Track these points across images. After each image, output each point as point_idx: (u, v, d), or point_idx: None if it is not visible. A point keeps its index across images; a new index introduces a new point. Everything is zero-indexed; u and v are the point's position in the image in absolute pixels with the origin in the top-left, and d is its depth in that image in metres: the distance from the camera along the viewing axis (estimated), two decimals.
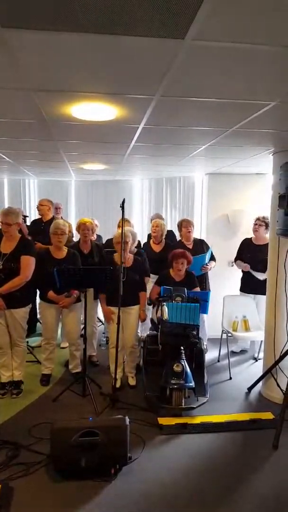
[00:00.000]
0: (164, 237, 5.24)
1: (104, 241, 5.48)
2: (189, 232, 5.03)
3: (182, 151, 4.07)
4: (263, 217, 4.94)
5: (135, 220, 7.53)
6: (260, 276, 4.83)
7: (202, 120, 2.81)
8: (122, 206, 3.80)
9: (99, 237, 5.77)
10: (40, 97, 2.34)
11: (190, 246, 5.02)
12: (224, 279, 5.37)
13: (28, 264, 3.79)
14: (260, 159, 4.32)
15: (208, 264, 4.93)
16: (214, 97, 2.27)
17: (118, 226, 5.12)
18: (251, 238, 5.13)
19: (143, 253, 4.72)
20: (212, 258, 5.08)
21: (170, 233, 5.71)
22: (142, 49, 1.64)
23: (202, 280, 4.95)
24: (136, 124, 2.94)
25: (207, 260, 4.91)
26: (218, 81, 2.02)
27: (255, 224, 4.98)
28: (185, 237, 5.07)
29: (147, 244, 5.32)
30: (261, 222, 4.93)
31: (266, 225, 4.86)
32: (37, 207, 5.79)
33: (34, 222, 5.92)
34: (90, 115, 2.68)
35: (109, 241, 5.29)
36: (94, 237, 5.61)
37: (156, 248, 5.17)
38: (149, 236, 5.53)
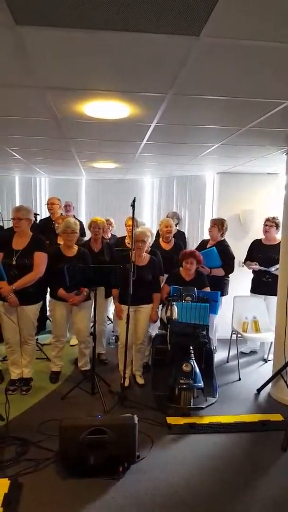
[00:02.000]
0: (173, 234, 5.23)
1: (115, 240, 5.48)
2: (210, 232, 4.99)
3: (194, 150, 4.05)
4: (273, 218, 4.89)
5: (146, 219, 7.52)
6: (274, 268, 4.75)
7: (215, 118, 2.79)
8: (133, 205, 3.80)
9: (113, 236, 5.76)
10: (54, 95, 2.34)
11: (208, 246, 4.98)
12: (235, 279, 5.32)
13: (41, 260, 3.83)
14: (273, 158, 4.28)
15: (203, 267, 4.62)
16: (228, 96, 2.25)
17: (126, 225, 5.12)
18: (260, 239, 5.10)
19: (157, 252, 4.69)
20: (227, 267, 4.83)
21: (182, 234, 5.68)
22: (156, 46, 1.63)
23: (219, 284, 4.80)
24: (149, 122, 2.94)
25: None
26: (232, 79, 2.00)
27: (266, 225, 4.92)
28: (210, 236, 5.06)
29: (156, 242, 5.31)
30: (271, 223, 4.88)
31: (277, 226, 4.83)
32: (48, 206, 5.77)
33: (42, 221, 5.92)
34: (102, 113, 2.68)
35: (120, 239, 5.30)
36: (108, 236, 5.61)
37: (166, 246, 5.16)
38: (158, 234, 5.52)
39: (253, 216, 5.55)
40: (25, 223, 3.84)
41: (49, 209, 5.73)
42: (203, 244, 5.14)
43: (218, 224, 4.94)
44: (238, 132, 3.13)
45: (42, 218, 6.21)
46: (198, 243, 5.41)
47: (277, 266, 4.57)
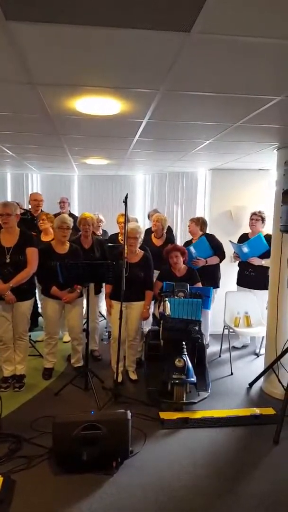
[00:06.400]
0: (165, 231, 5.24)
1: (108, 236, 5.48)
2: (189, 227, 5.10)
3: (186, 146, 4.06)
4: (259, 212, 5.02)
5: (138, 216, 7.52)
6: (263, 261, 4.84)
7: (206, 115, 2.79)
8: (125, 201, 3.80)
9: (105, 232, 5.75)
10: (45, 91, 2.32)
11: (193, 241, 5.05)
12: (227, 275, 5.36)
13: (34, 255, 3.83)
14: (264, 154, 4.30)
15: (199, 258, 4.78)
16: (219, 92, 2.25)
17: (117, 222, 5.12)
18: (247, 233, 5.18)
19: (147, 249, 4.70)
20: (219, 254, 4.95)
21: (169, 229, 5.70)
22: (147, 43, 1.62)
23: (213, 277, 4.90)
24: (140, 118, 2.93)
25: (193, 252, 4.81)
26: (224, 76, 2.00)
27: (252, 219, 5.03)
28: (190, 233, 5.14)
29: (148, 238, 5.31)
30: (257, 217, 4.98)
31: (263, 220, 4.96)
32: (32, 203, 5.71)
33: (23, 218, 5.86)
34: (94, 109, 2.66)
35: (113, 236, 5.30)
36: (100, 232, 5.60)
37: (157, 242, 5.17)
38: (147, 231, 5.52)
39: (244, 212, 5.58)
40: (14, 219, 3.80)
41: (36, 206, 5.69)
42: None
43: (193, 221, 5.11)
44: (229, 128, 3.13)
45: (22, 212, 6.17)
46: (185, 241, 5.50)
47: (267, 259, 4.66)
